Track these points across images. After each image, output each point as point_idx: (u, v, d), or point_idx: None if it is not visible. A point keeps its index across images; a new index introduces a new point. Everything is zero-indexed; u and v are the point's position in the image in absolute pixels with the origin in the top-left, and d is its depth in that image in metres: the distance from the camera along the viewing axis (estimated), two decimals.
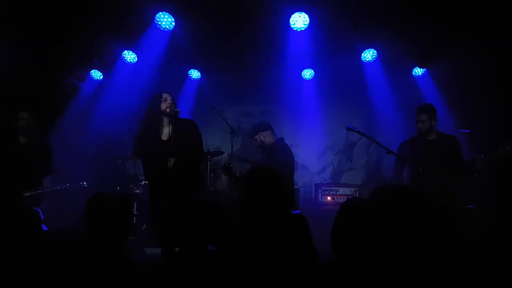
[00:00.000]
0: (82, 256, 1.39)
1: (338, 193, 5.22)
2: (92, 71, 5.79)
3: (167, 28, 4.89)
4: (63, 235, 1.42)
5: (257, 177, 1.89)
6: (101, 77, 5.87)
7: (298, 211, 3.52)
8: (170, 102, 3.68)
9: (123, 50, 5.53)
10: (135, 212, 5.12)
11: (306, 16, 4.54)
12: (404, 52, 5.09)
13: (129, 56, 5.58)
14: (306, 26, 4.64)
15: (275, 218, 1.77)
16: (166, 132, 3.67)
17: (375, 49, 5.25)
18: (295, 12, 4.55)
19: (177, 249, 2.09)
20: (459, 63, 4.83)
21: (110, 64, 5.72)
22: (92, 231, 1.94)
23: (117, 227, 1.96)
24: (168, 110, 3.62)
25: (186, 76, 6.17)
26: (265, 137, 4.45)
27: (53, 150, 4.32)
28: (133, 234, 2.16)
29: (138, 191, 5.50)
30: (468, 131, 4.44)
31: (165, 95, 3.69)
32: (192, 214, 1.97)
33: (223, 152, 6.35)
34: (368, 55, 5.32)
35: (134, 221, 5.07)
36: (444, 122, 4.90)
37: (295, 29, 4.68)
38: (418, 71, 5.54)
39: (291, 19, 4.60)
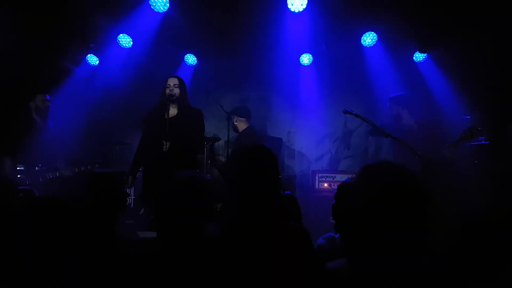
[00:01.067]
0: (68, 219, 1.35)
1: (335, 179, 5.19)
2: (88, 56, 5.68)
3: (161, 10, 4.79)
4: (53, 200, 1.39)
5: (250, 156, 1.84)
6: (97, 62, 5.76)
7: (288, 192, 3.51)
8: (172, 86, 3.71)
9: (118, 34, 5.42)
10: (132, 196, 5.12)
11: None
12: (406, 36, 4.98)
13: (125, 40, 5.47)
14: (304, 8, 4.53)
15: (266, 198, 1.72)
16: (169, 116, 3.70)
17: (375, 32, 5.12)
18: None
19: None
20: (462, 48, 4.73)
21: (106, 48, 5.62)
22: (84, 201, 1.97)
23: (107, 201, 2.01)
24: (167, 94, 3.66)
25: (181, 61, 6.06)
26: (237, 122, 4.79)
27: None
28: (124, 212, 2.17)
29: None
30: (469, 117, 4.40)
31: (169, 81, 3.83)
32: (182, 193, 1.93)
33: (220, 139, 6.29)
34: (368, 38, 5.19)
35: (132, 205, 5.07)
36: (449, 108, 4.86)
37: (292, 11, 4.58)
38: (419, 56, 5.43)
39: (288, 0, 4.49)
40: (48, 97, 4.59)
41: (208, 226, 1.70)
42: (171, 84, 3.83)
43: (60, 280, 1.27)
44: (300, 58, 5.76)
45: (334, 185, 5.07)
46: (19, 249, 1.29)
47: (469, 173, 3.81)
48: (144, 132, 3.97)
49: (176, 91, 3.80)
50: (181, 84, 3.86)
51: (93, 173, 2.15)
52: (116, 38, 5.43)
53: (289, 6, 4.53)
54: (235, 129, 4.82)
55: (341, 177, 5.14)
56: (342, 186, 2.20)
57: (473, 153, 3.86)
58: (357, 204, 1.23)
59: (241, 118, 4.78)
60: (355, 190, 1.28)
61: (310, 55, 5.72)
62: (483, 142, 3.93)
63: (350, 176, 5.09)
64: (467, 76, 4.81)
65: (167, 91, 3.81)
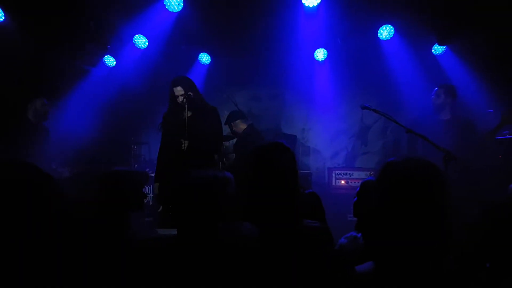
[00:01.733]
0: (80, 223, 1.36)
1: (352, 177, 5.11)
2: (105, 57, 5.74)
3: (176, 10, 4.80)
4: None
5: (265, 153, 1.80)
6: (114, 64, 5.83)
7: (310, 190, 3.46)
8: (181, 97, 3.69)
9: (134, 35, 5.47)
10: (150, 194, 5.17)
11: None
12: (424, 28, 4.85)
13: (140, 40, 5.52)
14: (318, 2, 4.46)
15: (283, 196, 1.68)
16: (187, 115, 3.70)
17: (392, 25, 5.00)
18: None
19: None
20: (483, 39, 4.59)
21: (122, 49, 5.68)
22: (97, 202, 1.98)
23: (120, 201, 2.00)
24: (183, 101, 3.68)
25: (195, 60, 6.07)
26: (234, 127, 4.80)
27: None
28: (142, 211, 2.20)
29: (153, 174, 5.52)
30: (492, 111, 4.28)
31: (175, 91, 3.70)
32: (199, 192, 1.92)
33: (234, 137, 6.29)
34: (385, 32, 5.07)
35: (151, 202, 5.13)
36: (471, 102, 4.73)
37: (307, 6, 4.51)
38: (438, 48, 5.28)
39: None
40: (46, 101, 4.55)
41: (245, 224, 1.66)
42: (178, 95, 3.78)
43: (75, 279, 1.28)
44: (315, 53, 5.68)
45: (351, 182, 5.00)
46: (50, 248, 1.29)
47: (493, 168, 3.70)
48: (163, 135, 3.98)
49: (188, 96, 3.76)
50: (188, 89, 3.79)
51: (114, 171, 2.13)
52: (132, 39, 5.47)
53: (303, 1, 4.47)
54: (236, 134, 4.86)
55: (359, 174, 5.07)
56: (365, 184, 2.16)
57: (498, 147, 3.74)
58: (379, 202, 1.19)
59: (236, 121, 4.79)
60: (377, 187, 1.24)
61: (325, 50, 5.64)
62: (508, 136, 3.80)
63: (370, 173, 5.05)
64: (491, 68, 4.65)
65: (180, 100, 3.77)
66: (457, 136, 3.66)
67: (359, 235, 1.80)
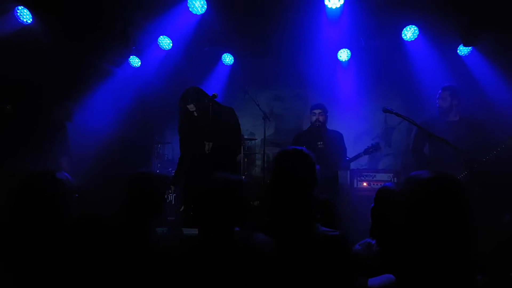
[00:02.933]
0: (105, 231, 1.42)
1: (374, 178, 5.03)
2: (130, 58, 5.88)
3: (200, 12, 4.87)
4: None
5: (283, 158, 1.82)
6: (139, 64, 5.96)
7: (325, 197, 3.47)
8: (196, 112, 3.83)
9: (158, 36, 5.58)
10: (173, 194, 5.27)
11: None
12: (449, 28, 4.74)
13: (165, 41, 5.62)
14: (341, 4, 4.43)
15: (297, 202, 1.69)
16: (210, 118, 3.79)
17: (416, 26, 4.92)
18: None
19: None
20: (509, 41, 4.45)
21: (147, 50, 5.80)
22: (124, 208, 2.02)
23: (147, 205, 2.03)
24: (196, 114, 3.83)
25: (219, 60, 6.13)
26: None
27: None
28: (164, 214, 2.27)
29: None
30: None
31: (189, 108, 3.83)
32: (218, 194, 1.96)
33: (256, 138, 6.34)
34: (409, 32, 4.99)
35: (173, 202, 5.23)
36: (499, 104, 4.61)
37: (330, 7, 4.49)
38: (463, 49, 5.15)
39: None
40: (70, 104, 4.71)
41: (258, 235, 1.69)
42: (192, 111, 3.87)
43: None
44: (338, 54, 5.65)
45: (373, 184, 4.94)
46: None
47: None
48: (182, 138, 4.06)
49: (200, 108, 3.86)
50: (199, 102, 3.84)
51: (139, 174, 2.17)
52: (156, 40, 5.58)
53: (326, 2, 4.45)
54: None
55: (381, 176, 5.00)
56: (382, 190, 2.15)
57: None
58: (400, 215, 1.19)
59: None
60: (399, 199, 1.24)
61: (349, 51, 5.60)
62: None
63: (390, 176, 4.99)
64: None
65: (194, 114, 3.88)
66: (468, 138, 3.62)
67: (373, 241, 1.80)
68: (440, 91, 4.08)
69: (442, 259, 1.11)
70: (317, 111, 4.66)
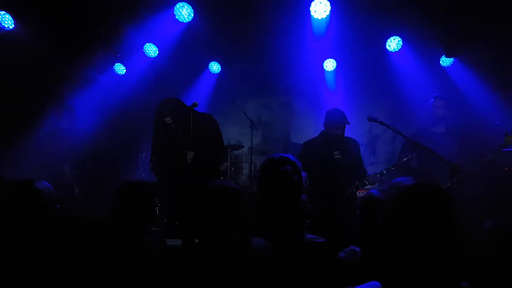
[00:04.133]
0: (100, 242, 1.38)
1: (365, 187, 5.07)
2: (115, 65, 5.83)
3: (186, 20, 4.87)
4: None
5: (269, 166, 1.81)
6: (124, 71, 5.91)
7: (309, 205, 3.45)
8: (174, 124, 3.80)
9: (144, 44, 5.55)
10: (158, 204, 5.20)
11: (328, 3, 4.41)
12: (432, 40, 4.85)
13: (151, 49, 5.59)
14: (327, 14, 4.50)
15: (285, 210, 1.69)
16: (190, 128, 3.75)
17: (400, 37, 5.02)
18: None
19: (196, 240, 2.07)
20: (491, 51, 4.57)
21: (132, 58, 5.76)
22: (115, 217, 1.98)
23: (139, 214, 2.00)
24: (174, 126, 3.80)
25: (206, 68, 6.13)
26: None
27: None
28: (155, 225, 2.24)
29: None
30: (498, 123, 4.25)
31: (166, 120, 3.80)
32: (209, 203, 1.94)
33: (243, 146, 6.33)
34: (393, 43, 5.09)
35: (157, 212, 5.16)
36: (481, 114, 4.70)
37: (316, 17, 4.55)
38: (446, 60, 5.28)
39: (311, 7, 4.48)
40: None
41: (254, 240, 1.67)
42: (169, 123, 3.84)
43: None
44: (324, 63, 5.72)
45: (360, 193, 4.96)
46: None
47: (500, 180, 3.67)
48: (157, 152, 3.98)
49: (178, 122, 3.85)
50: (176, 113, 3.82)
51: (127, 182, 2.12)
52: (142, 48, 5.55)
53: (312, 13, 4.51)
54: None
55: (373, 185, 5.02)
56: (367, 198, 2.16)
57: (505, 160, 3.71)
58: (384, 221, 1.19)
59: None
60: (383, 206, 1.24)
61: (334, 61, 5.67)
62: None
63: (375, 185, 5.02)
64: (499, 79, 4.62)
65: (171, 126, 3.84)
66: (454, 149, 3.67)
67: (358, 249, 1.81)
68: (433, 100, 4.08)
69: (426, 265, 1.12)
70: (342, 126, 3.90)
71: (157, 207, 5.18)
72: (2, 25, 4.55)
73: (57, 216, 1.65)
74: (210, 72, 6.14)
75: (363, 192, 4.85)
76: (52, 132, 4.61)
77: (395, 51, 5.16)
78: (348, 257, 1.76)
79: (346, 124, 3.92)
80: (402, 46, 5.08)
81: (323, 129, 4.00)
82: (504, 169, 3.76)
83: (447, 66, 5.30)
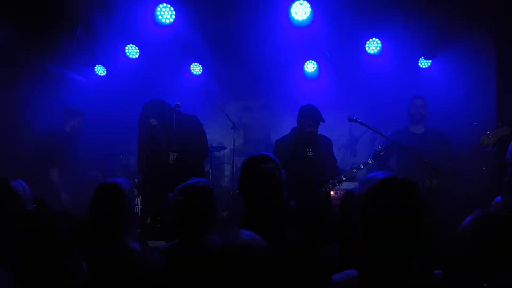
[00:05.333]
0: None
1: (341, 187, 5.12)
2: (96, 67, 5.74)
3: (168, 21, 4.84)
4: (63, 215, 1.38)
5: (249, 165, 1.82)
6: (105, 73, 5.82)
7: (293, 202, 3.50)
8: (156, 123, 3.83)
9: (126, 45, 5.49)
10: (139, 205, 5.15)
11: (308, 5, 4.46)
12: (411, 42, 4.97)
13: (132, 50, 5.54)
14: (307, 16, 4.55)
15: (267, 208, 1.71)
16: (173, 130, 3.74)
17: (379, 39, 5.12)
18: (295, 1, 4.48)
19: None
20: (467, 55, 4.70)
21: (113, 59, 5.69)
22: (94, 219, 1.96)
23: (116, 214, 1.97)
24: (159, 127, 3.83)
25: (187, 69, 6.11)
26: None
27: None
28: (137, 226, 2.21)
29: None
30: (476, 123, 4.38)
31: (152, 122, 3.83)
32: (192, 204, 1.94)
33: (225, 147, 6.33)
34: (372, 45, 5.19)
35: (139, 214, 5.11)
36: (456, 115, 4.82)
37: (296, 19, 4.60)
38: (424, 63, 5.40)
39: (292, 9, 4.53)
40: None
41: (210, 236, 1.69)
42: (154, 124, 3.85)
43: None
44: (304, 65, 5.77)
45: (340, 193, 5.03)
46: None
47: (476, 179, 3.78)
48: (143, 153, 3.99)
49: (161, 125, 3.85)
50: (161, 114, 3.84)
51: (104, 183, 2.10)
52: (124, 49, 5.49)
53: (293, 14, 4.56)
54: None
55: (347, 185, 5.09)
56: (346, 194, 2.20)
57: (481, 159, 3.82)
58: (358, 216, 1.22)
59: None
60: (357, 202, 1.26)
61: (315, 62, 5.73)
62: (492, 148, 3.89)
63: (356, 185, 5.09)
64: (478, 80, 4.74)
65: (156, 128, 3.87)
66: (432, 148, 3.75)
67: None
68: (412, 100, 4.14)
69: (398, 256, 1.15)
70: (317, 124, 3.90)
71: (138, 208, 5.15)
72: None
73: (32, 215, 1.61)
74: (192, 73, 6.11)
75: (340, 192, 4.88)
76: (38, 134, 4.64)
77: (374, 53, 5.26)
78: (327, 252, 1.78)
79: (321, 122, 3.87)
80: (381, 48, 5.18)
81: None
82: (482, 169, 3.87)
83: (425, 68, 5.43)
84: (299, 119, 3.89)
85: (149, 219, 4.87)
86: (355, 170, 3.87)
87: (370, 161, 3.91)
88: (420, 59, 5.37)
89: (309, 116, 3.82)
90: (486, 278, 1.18)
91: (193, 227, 1.88)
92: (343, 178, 3.85)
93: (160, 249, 1.98)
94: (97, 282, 1.54)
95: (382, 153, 3.86)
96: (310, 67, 5.76)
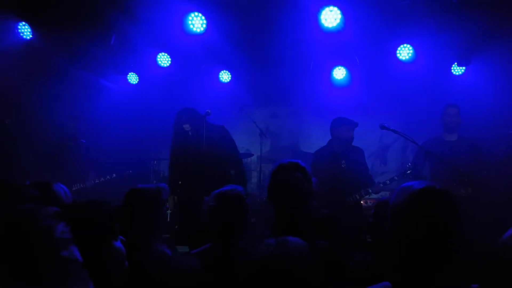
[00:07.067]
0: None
1: (371, 196, 5.02)
2: (128, 75, 5.91)
3: (199, 30, 4.92)
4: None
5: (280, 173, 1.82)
6: (137, 81, 5.98)
7: (325, 211, 3.47)
8: (190, 129, 3.98)
9: (157, 53, 5.63)
10: (168, 211, 5.22)
11: (338, 11, 4.43)
12: (443, 48, 4.84)
13: (164, 58, 5.66)
14: (338, 22, 4.50)
15: (296, 216, 1.69)
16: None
17: (411, 45, 5.00)
18: (325, 7, 4.45)
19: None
20: (502, 61, 4.54)
21: (145, 67, 5.85)
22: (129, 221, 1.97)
23: (147, 220, 1.98)
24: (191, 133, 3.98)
25: (216, 77, 6.18)
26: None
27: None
28: (166, 231, 2.25)
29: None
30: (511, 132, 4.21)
31: (185, 127, 3.99)
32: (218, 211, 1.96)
33: (253, 154, 6.34)
34: (404, 51, 5.06)
35: (168, 219, 5.18)
36: (491, 123, 4.65)
37: (326, 26, 4.57)
38: (457, 69, 5.24)
39: (321, 15, 4.50)
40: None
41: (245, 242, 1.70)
42: (187, 130, 4.01)
43: None
44: (333, 71, 5.70)
45: (370, 203, 4.93)
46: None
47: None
48: (175, 157, 4.13)
49: (195, 128, 3.97)
50: (193, 121, 3.99)
51: (134, 188, 2.11)
52: (155, 58, 5.63)
53: (323, 21, 4.53)
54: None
55: (378, 194, 4.99)
56: (380, 205, 2.15)
57: None
58: (394, 226, 1.19)
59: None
60: (393, 211, 1.24)
61: (345, 69, 5.66)
62: None
63: (387, 194, 4.98)
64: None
65: (189, 133, 4.01)
66: (465, 156, 3.64)
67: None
68: (445, 108, 4.05)
69: (433, 267, 1.12)
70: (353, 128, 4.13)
71: (168, 214, 5.22)
72: (21, 35, 4.75)
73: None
74: (220, 81, 6.18)
75: (371, 202, 4.84)
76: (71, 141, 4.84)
77: (406, 60, 5.14)
78: (359, 261, 1.75)
79: (355, 127, 4.14)
80: (413, 54, 5.06)
81: (327, 137, 4.24)
82: None
83: (459, 75, 5.26)
84: (335, 130, 4.16)
85: (177, 225, 4.94)
86: (381, 185, 4.13)
87: (396, 178, 4.10)
88: (453, 65, 5.22)
89: (345, 123, 4.11)
90: None
91: (225, 233, 1.89)
92: (370, 191, 4.11)
93: (193, 254, 2.00)
94: (129, 285, 1.56)
95: (408, 172, 4.06)
96: (339, 73, 5.68)
